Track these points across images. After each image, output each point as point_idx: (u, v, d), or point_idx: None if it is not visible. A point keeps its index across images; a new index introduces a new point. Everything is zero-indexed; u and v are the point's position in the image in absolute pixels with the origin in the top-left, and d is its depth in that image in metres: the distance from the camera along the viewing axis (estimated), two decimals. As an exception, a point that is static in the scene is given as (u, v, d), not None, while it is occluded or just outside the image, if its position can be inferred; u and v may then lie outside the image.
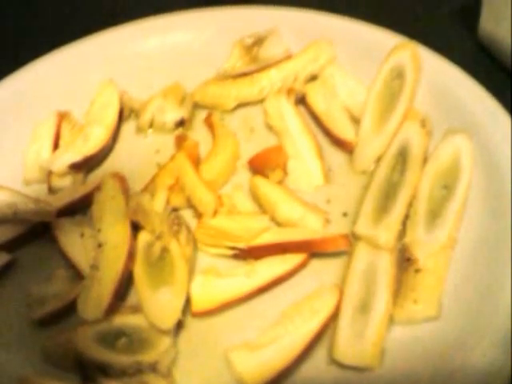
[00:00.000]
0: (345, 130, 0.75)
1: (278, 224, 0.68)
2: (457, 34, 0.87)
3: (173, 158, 0.74)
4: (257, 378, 0.57)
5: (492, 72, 0.79)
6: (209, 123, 0.80)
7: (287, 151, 0.74)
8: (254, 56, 0.83)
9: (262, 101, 0.81)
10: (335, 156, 0.75)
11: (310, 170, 0.73)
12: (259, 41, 0.83)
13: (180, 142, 0.77)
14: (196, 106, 0.83)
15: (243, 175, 0.75)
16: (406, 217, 0.65)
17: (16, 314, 0.64)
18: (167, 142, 0.79)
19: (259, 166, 0.72)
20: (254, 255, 0.65)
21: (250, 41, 0.84)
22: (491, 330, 0.54)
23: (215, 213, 0.68)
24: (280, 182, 0.72)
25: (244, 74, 0.82)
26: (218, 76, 0.84)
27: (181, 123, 0.81)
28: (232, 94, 0.82)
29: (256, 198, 0.71)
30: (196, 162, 0.74)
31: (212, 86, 0.83)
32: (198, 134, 0.80)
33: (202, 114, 0.82)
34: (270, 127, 0.78)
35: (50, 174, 0.74)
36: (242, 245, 0.65)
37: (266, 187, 0.70)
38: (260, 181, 0.71)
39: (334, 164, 0.74)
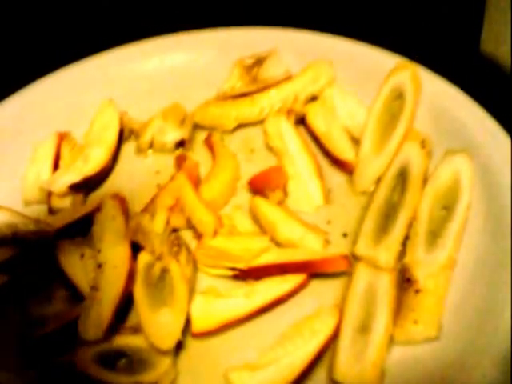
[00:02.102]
0: (345, 151, 0.75)
1: (278, 244, 0.68)
2: (458, 55, 0.87)
3: (173, 178, 0.73)
4: (257, 398, 0.57)
5: (493, 92, 0.78)
6: (209, 144, 0.80)
7: (287, 172, 0.74)
8: (254, 76, 0.83)
9: (262, 121, 0.80)
10: (335, 176, 0.75)
11: (310, 191, 0.73)
12: (259, 61, 0.83)
13: (180, 162, 0.77)
14: (196, 127, 0.82)
15: (243, 196, 0.75)
16: (406, 237, 0.65)
17: (16, 334, 0.64)
18: (167, 162, 0.79)
19: (259, 187, 0.73)
20: (254, 276, 0.65)
21: (249, 61, 0.83)
22: (491, 351, 0.54)
23: (215, 233, 0.68)
24: (280, 203, 0.72)
25: (244, 95, 0.81)
26: (218, 96, 0.83)
27: (181, 144, 0.81)
28: (232, 114, 0.81)
29: (256, 218, 0.71)
30: (196, 183, 0.74)
31: (212, 106, 0.83)
32: (198, 154, 0.80)
33: (202, 135, 0.82)
34: (270, 148, 0.78)
35: (49, 194, 0.74)
36: (241, 265, 0.65)
37: (266, 208, 0.70)
38: (260, 201, 0.71)
39: (334, 184, 0.74)
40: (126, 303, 0.64)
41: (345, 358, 0.58)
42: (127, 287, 0.63)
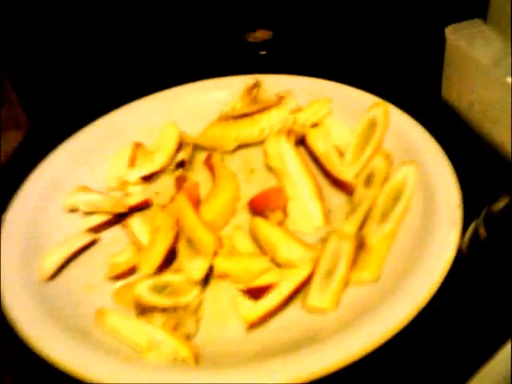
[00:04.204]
0: (345, 172, 0.79)
1: (278, 265, 0.70)
2: (420, 96, 0.95)
3: (173, 199, 0.77)
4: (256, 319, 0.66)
5: (449, 128, 0.87)
6: (209, 164, 0.83)
7: (287, 192, 0.76)
8: (255, 97, 0.86)
9: (262, 142, 0.83)
10: (335, 197, 0.78)
11: (310, 211, 0.75)
12: (259, 82, 0.88)
13: (180, 183, 0.80)
14: (196, 148, 0.86)
15: (243, 216, 0.77)
16: (366, 217, 0.75)
17: (101, 274, 0.74)
18: (167, 183, 0.83)
19: (259, 207, 0.75)
20: (254, 296, 0.68)
21: (250, 82, 0.88)
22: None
23: (215, 254, 0.70)
24: (280, 223, 0.74)
25: (244, 115, 0.83)
26: (218, 117, 0.86)
27: (181, 164, 0.84)
28: (232, 135, 0.83)
29: (256, 239, 0.73)
30: (196, 203, 0.76)
31: (212, 127, 0.85)
32: (198, 175, 0.83)
33: (202, 155, 0.85)
34: (270, 168, 0.81)
35: (126, 183, 0.84)
36: (241, 286, 0.69)
37: (266, 228, 0.72)
38: (260, 222, 0.73)
39: (334, 205, 0.77)
40: (172, 253, 0.73)
41: (316, 289, 0.68)
42: (174, 243, 0.73)
